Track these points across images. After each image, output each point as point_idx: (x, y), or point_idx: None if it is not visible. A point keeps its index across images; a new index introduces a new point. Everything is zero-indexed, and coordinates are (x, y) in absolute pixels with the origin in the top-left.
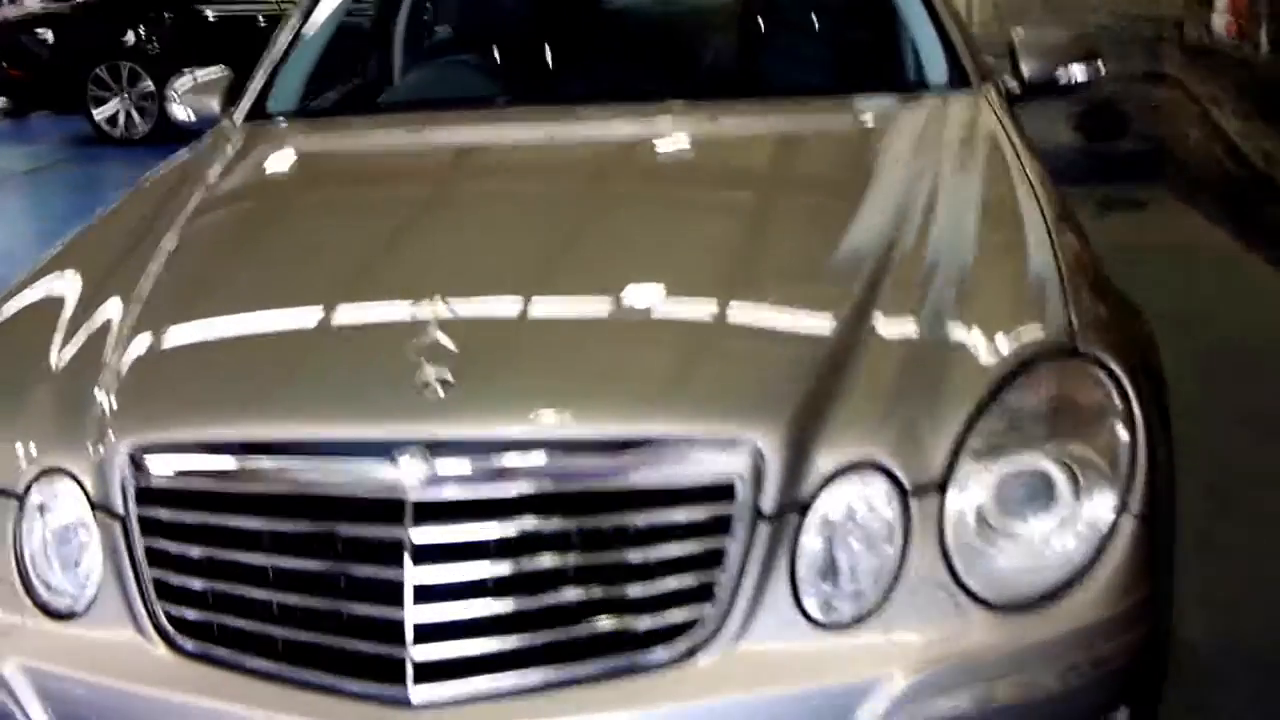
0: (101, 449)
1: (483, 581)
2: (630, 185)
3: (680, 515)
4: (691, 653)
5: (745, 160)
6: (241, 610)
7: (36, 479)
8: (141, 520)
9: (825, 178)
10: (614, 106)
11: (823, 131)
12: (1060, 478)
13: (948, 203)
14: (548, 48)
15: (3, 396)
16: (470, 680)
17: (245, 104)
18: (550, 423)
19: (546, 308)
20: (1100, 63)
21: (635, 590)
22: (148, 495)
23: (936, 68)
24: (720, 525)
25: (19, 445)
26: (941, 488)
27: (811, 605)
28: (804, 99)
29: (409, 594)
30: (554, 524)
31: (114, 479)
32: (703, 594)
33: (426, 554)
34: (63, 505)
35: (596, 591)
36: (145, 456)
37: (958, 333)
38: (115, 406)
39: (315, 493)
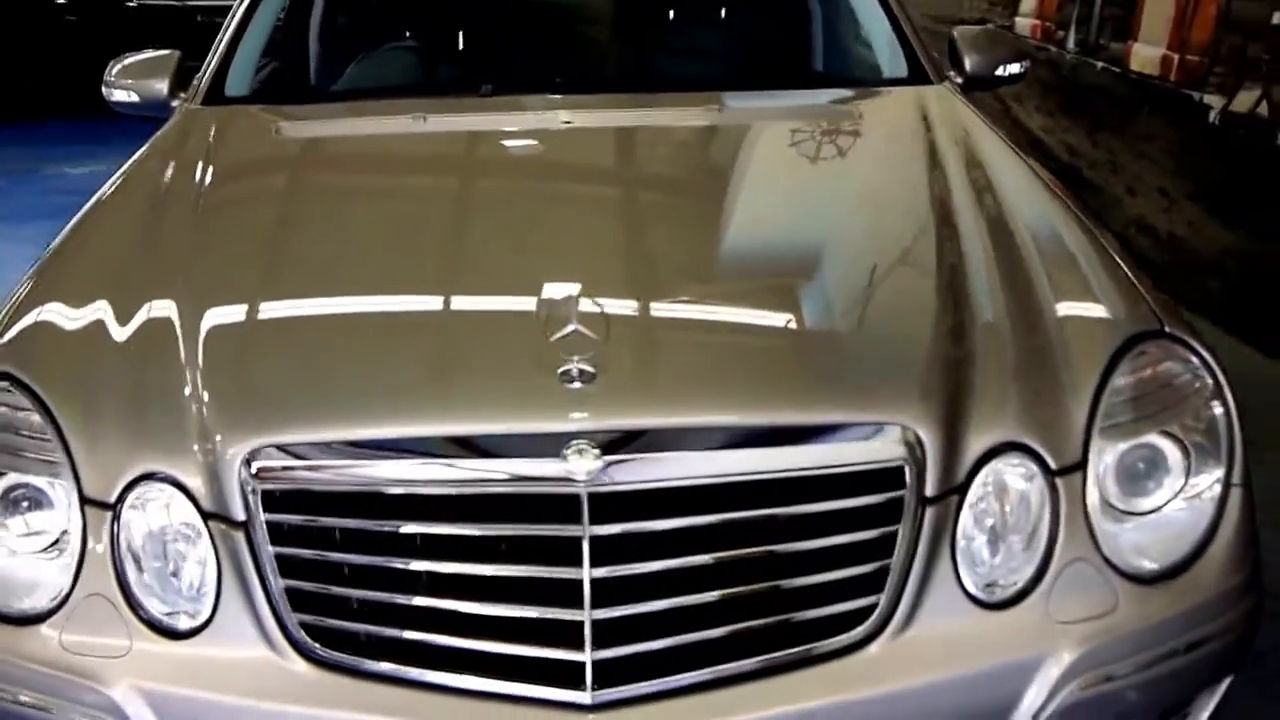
0: (213, 453)
1: (655, 576)
2: (697, 171)
3: (851, 502)
4: (866, 641)
5: (785, 150)
6: (388, 618)
7: (131, 487)
8: (270, 527)
9: (869, 167)
10: (613, 95)
11: (832, 121)
12: (1174, 453)
13: (998, 190)
14: (522, 35)
15: (77, 403)
16: (647, 681)
17: (203, 87)
18: (719, 412)
19: (677, 295)
20: (1028, 61)
21: (808, 580)
22: (276, 500)
23: (897, 63)
24: (890, 511)
25: (108, 452)
26: (1079, 467)
27: (973, 586)
28: (782, 92)
29: (587, 593)
30: (724, 516)
31: (230, 484)
32: (875, 581)
33: (602, 551)
34: (166, 514)
35: (770, 582)
36: (272, 460)
37: (1058, 318)
38: (230, 407)
39: (474, 492)
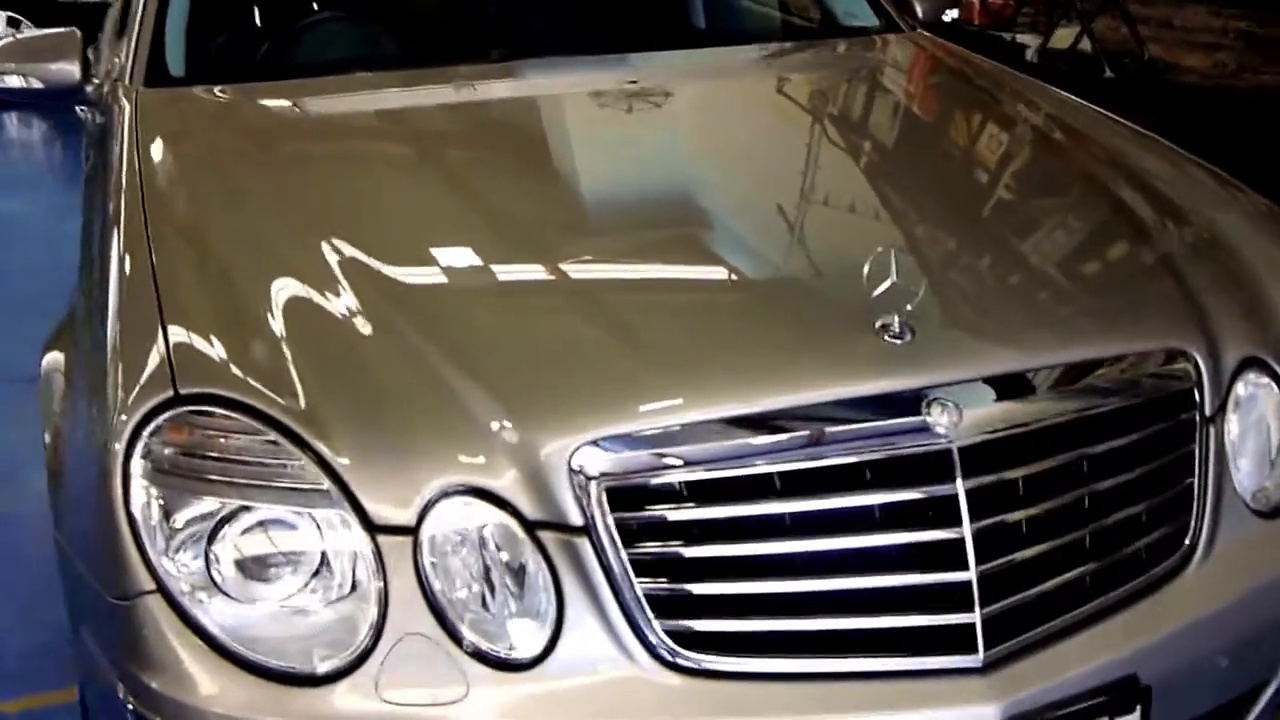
0: (531, 454)
1: (1018, 526)
2: (847, 123)
3: (1151, 430)
4: (1183, 564)
5: (888, 99)
6: (758, 609)
7: (429, 505)
8: (620, 528)
9: (972, 111)
10: (624, 55)
11: (885, 70)
12: None
13: (1074, 123)
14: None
15: (329, 418)
16: (1024, 634)
17: (135, 68)
18: (1039, 354)
19: (950, 243)
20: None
21: (1132, 511)
22: (619, 498)
23: (866, 13)
24: (1184, 433)
25: (391, 470)
26: None
27: (1252, 497)
28: (785, 44)
29: (971, 550)
30: (1068, 455)
31: (559, 487)
32: (1183, 504)
33: (976, 506)
34: (479, 529)
35: (1096, 522)
36: (608, 454)
37: (1211, 240)
38: (542, 402)
39: (832, 463)
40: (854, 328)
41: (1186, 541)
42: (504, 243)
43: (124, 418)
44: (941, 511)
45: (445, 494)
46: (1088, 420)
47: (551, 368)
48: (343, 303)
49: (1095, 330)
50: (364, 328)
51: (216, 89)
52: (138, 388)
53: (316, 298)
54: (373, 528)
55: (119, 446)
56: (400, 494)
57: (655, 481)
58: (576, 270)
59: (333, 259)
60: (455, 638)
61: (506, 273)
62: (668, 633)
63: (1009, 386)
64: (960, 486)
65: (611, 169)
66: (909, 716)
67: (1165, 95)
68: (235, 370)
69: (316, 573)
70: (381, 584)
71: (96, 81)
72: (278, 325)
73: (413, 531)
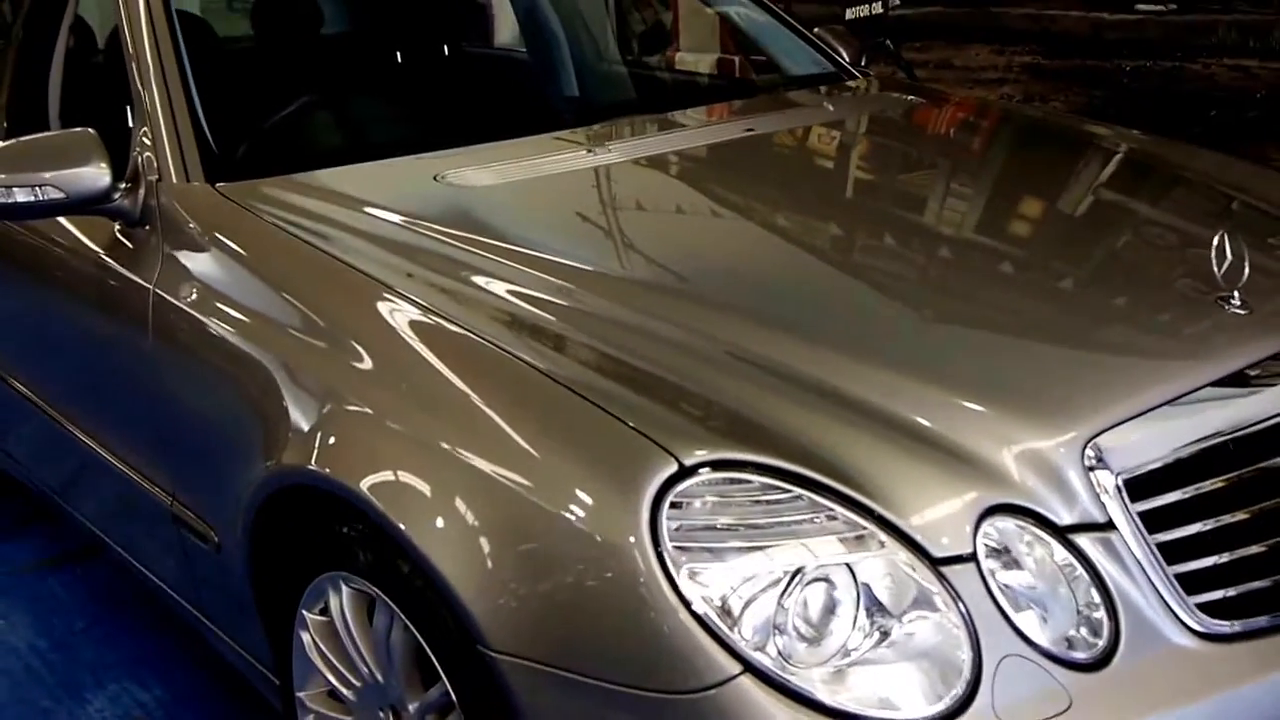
0: (1044, 460)
1: None
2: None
3: None
4: None
5: (953, 138)
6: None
7: (979, 526)
8: (1144, 517)
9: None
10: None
11: (914, 111)
12: None
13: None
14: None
15: (859, 460)
16: None
17: (182, 165)
18: None
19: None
20: None
21: None
22: (1138, 485)
23: (819, 62)
24: None
25: (930, 501)
26: None
27: None
28: (764, 97)
29: None
30: None
31: (1076, 486)
32: None
33: None
34: (1024, 543)
35: None
36: (1115, 445)
37: None
38: (1044, 409)
39: None
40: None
41: None
42: (881, 273)
43: (631, 504)
44: None
45: (986, 513)
46: None
47: (1028, 372)
48: (779, 351)
49: None
50: (823, 372)
51: (299, 175)
52: (634, 469)
53: (763, 350)
54: (932, 560)
55: (638, 535)
56: (944, 522)
57: (1164, 462)
58: (957, 292)
59: (736, 314)
60: (1041, 650)
61: (915, 298)
62: (1201, 607)
63: None
64: None
65: (881, 199)
66: None
67: None
68: (728, 431)
69: (873, 615)
70: (961, 615)
71: (125, 185)
72: (736, 383)
73: (971, 558)
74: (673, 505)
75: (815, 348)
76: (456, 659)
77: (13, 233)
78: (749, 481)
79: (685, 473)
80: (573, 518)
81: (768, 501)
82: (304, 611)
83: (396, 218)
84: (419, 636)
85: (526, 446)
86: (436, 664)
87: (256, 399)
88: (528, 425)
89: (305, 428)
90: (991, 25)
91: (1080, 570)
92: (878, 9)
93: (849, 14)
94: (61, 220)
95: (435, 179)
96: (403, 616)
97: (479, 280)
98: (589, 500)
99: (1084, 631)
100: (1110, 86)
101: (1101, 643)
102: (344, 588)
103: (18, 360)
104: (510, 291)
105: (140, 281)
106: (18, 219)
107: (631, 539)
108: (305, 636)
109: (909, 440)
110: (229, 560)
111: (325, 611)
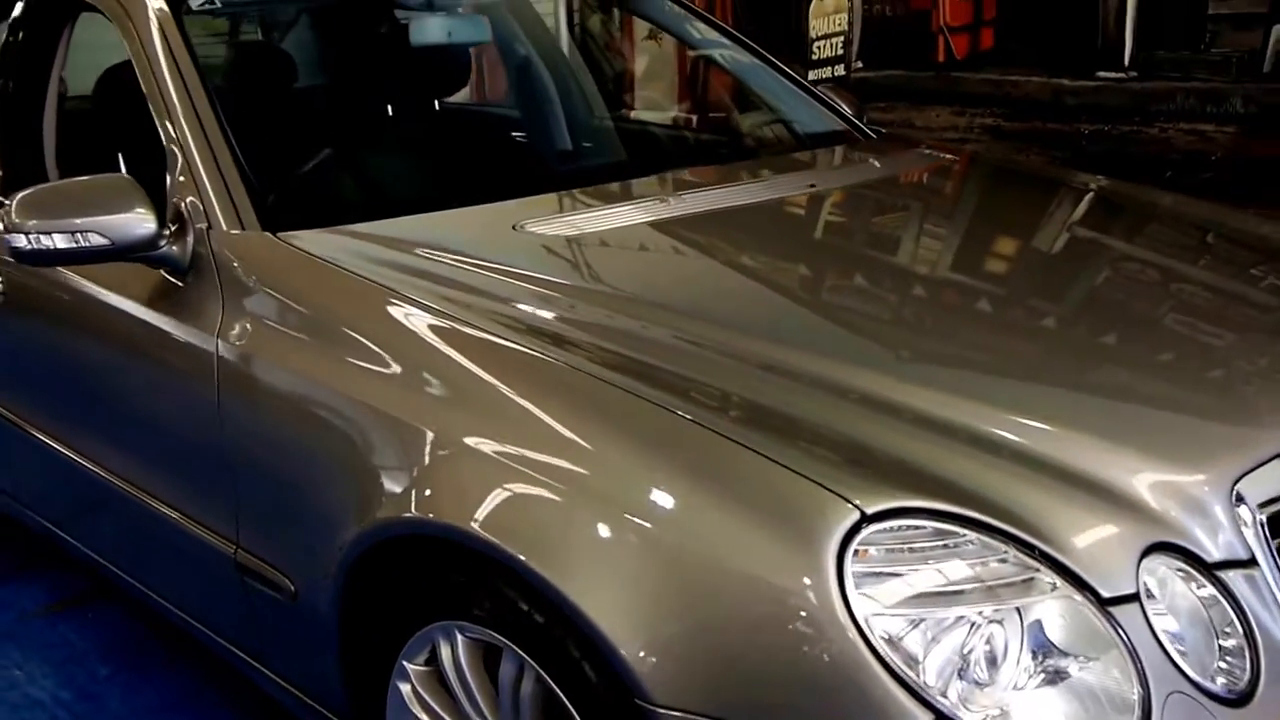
0: (1191, 498)
1: None
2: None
3: None
4: None
5: (990, 198)
6: None
7: (1139, 565)
8: None
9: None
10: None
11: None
12: None
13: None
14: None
15: (1024, 502)
16: None
17: (232, 213)
18: None
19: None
20: None
21: None
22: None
23: (833, 122)
24: None
25: (1094, 542)
26: None
27: None
28: (794, 155)
29: None
30: None
31: (1224, 524)
32: None
33: None
34: (1181, 580)
35: None
36: (1264, 482)
37: None
38: (1187, 447)
39: None
40: None
41: None
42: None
43: (814, 554)
44: None
45: (1145, 552)
46: None
47: (1176, 414)
48: (924, 401)
49: None
50: (973, 419)
51: (362, 225)
52: (813, 518)
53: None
54: (1100, 601)
55: (823, 585)
56: (1110, 562)
57: None
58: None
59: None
60: (1198, 686)
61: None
62: None
63: None
64: None
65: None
66: None
67: None
68: (898, 479)
69: (1043, 655)
70: (1129, 653)
71: (169, 230)
72: (889, 431)
73: (1135, 597)
74: (855, 554)
75: (961, 396)
76: (605, 713)
77: (31, 280)
78: (922, 527)
79: (865, 521)
80: (747, 569)
81: (943, 546)
82: (404, 662)
83: (489, 266)
84: (557, 689)
85: (685, 495)
86: (577, 717)
87: (355, 454)
88: (681, 474)
89: (433, 479)
90: (953, 90)
91: (1225, 605)
92: (840, 71)
93: (811, 75)
94: (79, 268)
95: (514, 228)
96: (537, 667)
97: (588, 328)
98: (765, 550)
99: (1227, 666)
100: (1069, 148)
101: (1245, 677)
102: (459, 637)
103: (36, 404)
104: (629, 341)
105: (200, 332)
106: (58, 265)
107: (816, 590)
108: (405, 687)
109: (1066, 483)
110: (306, 610)
111: (430, 662)
